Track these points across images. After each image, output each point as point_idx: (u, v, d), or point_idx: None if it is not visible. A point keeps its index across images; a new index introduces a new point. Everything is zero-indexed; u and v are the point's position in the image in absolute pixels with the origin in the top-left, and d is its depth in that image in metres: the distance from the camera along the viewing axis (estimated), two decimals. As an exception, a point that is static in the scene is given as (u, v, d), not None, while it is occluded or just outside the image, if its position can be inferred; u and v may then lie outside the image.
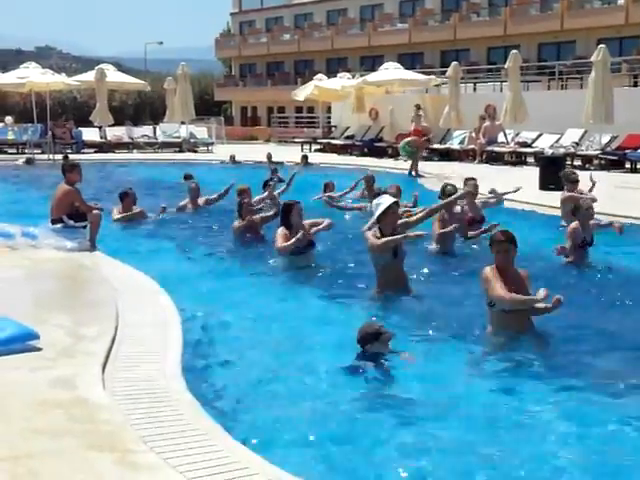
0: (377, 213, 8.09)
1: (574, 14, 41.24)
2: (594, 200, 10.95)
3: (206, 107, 57.35)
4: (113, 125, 32.26)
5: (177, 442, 4.35)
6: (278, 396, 5.56)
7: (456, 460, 4.64)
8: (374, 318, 6.99)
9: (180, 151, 31.43)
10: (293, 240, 9.47)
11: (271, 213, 11.51)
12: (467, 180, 12.17)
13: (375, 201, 8.46)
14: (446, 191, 10.78)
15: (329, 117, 37.14)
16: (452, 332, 7.00)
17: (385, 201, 8.13)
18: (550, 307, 6.41)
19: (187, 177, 17.46)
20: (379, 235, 7.99)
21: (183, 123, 33.19)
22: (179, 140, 32.38)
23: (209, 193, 14.64)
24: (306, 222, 9.83)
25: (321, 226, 9.77)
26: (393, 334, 6.14)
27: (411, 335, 6.87)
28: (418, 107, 27.09)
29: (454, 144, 26.86)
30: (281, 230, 9.73)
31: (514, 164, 24.25)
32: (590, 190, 12.05)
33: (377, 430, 5.04)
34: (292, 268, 9.52)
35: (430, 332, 7.04)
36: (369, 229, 8.30)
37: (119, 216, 13.06)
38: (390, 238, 7.89)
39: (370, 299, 8.09)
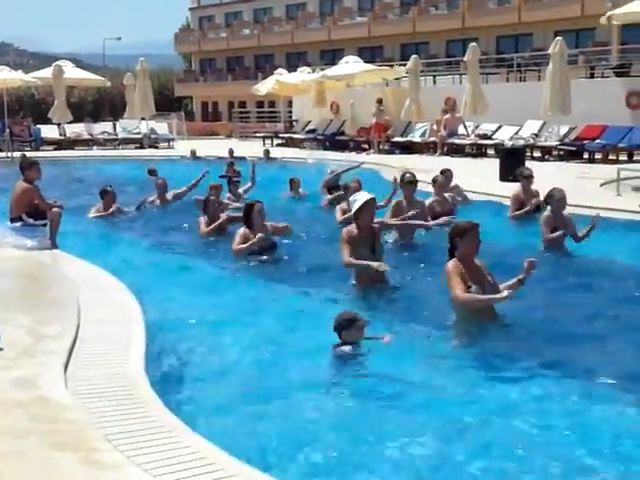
0: (354, 209, 8.08)
1: (531, 7, 41.62)
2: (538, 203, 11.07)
3: (167, 102, 57.03)
4: (72, 122, 31.87)
5: (142, 440, 4.30)
6: (246, 391, 5.53)
7: (433, 446, 4.67)
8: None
9: (141, 147, 31.15)
10: (248, 244, 9.46)
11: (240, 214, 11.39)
12: (443, 171, 12.23)
13: (352, 197, 8.46)
14: (404, 179, 10.82)
15: (290, 111, 37.07)
16: (425, 321, 7.05)
17: (362, 197, 8.10)
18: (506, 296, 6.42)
19: (151, 172, 17.34)
20: (356, 232, 7.98)
21: (143, 119, 32.92)
22: (139, 136, 32.09)
23: (173, 189, 14.56)
24: (269, 224, 9.80)
25: (278, 231, 9.70)
26: (368, 321, 6.24)
27: (388, 325, 6.89)
28: (380, 101, 27.22)
29: (415, 137, 26.93)
30: (242, 230, 9.70)
31: (475, 156, 24.40)
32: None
33: (355, 421, 5.05)
34: (261, 266, 9.44)
35: (405, 323, 7.08)
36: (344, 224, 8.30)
37: (95, 214, 12.96)
38: (354, 262, 7.86)
39: (346, 293, 8.03)
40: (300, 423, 5.01)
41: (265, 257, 9.56)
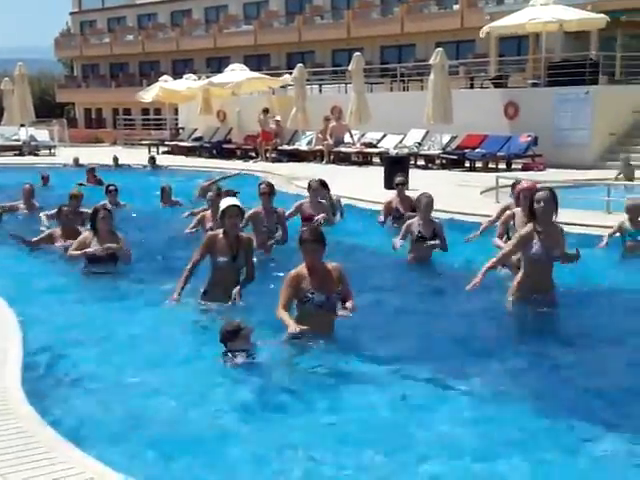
0: (219, 214, 8.08)
1: (413, 18, 42.50)
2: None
3: (48, 109, 55.49)
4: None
5: (18, 456, 4.15)
6: (128, 404, 5.42)
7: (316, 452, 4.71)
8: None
9: (20, 154, 30.19)
10: (80, 252, 9.29)
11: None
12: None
13: (220, 203, 8.45)
14: (259, 189, 10.88)
15: (176, 119, 36.69)
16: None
17: (224, 203, 8.09)
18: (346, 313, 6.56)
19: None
20: (220, 237, 7.92)
21: (23, 125, 31.94)
22: (19, 143, 31.13)
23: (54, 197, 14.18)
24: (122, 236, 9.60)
25: (114, 245, 9.39)
26: (253, 329, 6.19)
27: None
28: (265, 111, 27.24)
29: (302, 145, 27.09)
30: (84, 233, 9.53)
31: (360, 164, 24.69)
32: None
33: (244, 432, 5.04)
34: (130, 278, 9.26)
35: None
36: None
37: None
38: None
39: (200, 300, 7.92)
40: (185, 436, 4.94)
41: (104, 268, 9.30)
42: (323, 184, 12.58)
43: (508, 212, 9.42)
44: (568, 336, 7.16)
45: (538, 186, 8.47)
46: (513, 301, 7.54)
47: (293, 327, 6.29)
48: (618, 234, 10.09)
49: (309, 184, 12.43)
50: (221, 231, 8.00)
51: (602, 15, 24.72)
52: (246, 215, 10.06)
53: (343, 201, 13.33)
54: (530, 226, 7.44)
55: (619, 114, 22.79)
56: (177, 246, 10.77)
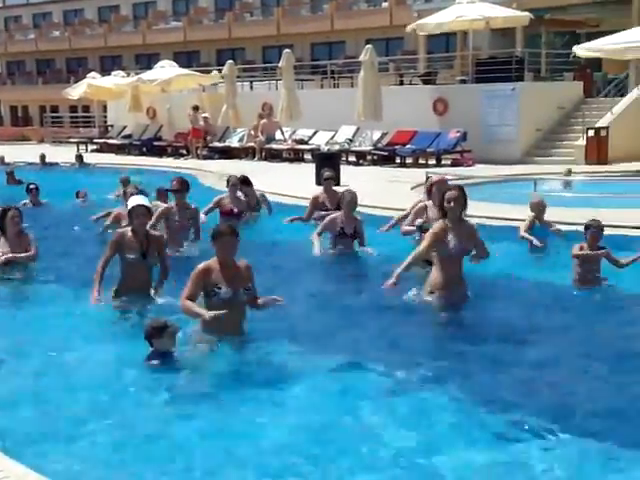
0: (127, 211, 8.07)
1: (343, 15, 42.64)
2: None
3: (-29, 107, 54.08)
4: None
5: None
6: (53, 411, 5.33)
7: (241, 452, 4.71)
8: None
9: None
10: None
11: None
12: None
13: (128, 201, 8.42)
14: (230, 180, 10.90)
15: (105, 116, 36.17)
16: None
17: (132, 202, 8.06)
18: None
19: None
20: (129, 235, 7.86)
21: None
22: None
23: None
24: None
25: (17, 255, 9.15)
26: (179, 328, 6.14)
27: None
28: (195, 108, 27.05)
29: (233, 142, 26.99)
30: None
31: (292, 161, 24.73)
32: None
33: (163, 431, 5.01)
34: (43, 279, 9.08)
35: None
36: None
37: None
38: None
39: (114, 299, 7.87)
40: (104, 437, 4.91)
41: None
42: (245, 181, 12.64)
43: (420, 204, 9.46)
44: (480, 328, 7.33)
45: (450, 182, 8.70)
46: (427, 296, 7.68)
47: (207, 315, 6.22)
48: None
49: (228, 179, 12.58)
50: (129, 229, 7.95)
51: (526, 13, 25.23)
52: (158, 212, 10.07)
53: (273, 197, 13.37)
54: (441, 223, 7.59)
55: (544, 110, 23.26)
56: (93, 244, 10.67)
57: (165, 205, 10.74)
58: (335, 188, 12.25)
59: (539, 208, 10.15)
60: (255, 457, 4.66)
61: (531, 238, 9.84)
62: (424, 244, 7.67)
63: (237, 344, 6.52)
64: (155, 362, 5.98)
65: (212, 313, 6.21)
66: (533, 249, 9.99)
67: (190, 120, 26.76)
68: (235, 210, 11.83)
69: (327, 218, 10.25)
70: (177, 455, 4.69)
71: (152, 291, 7.84)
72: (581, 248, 8.39)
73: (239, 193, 12.27)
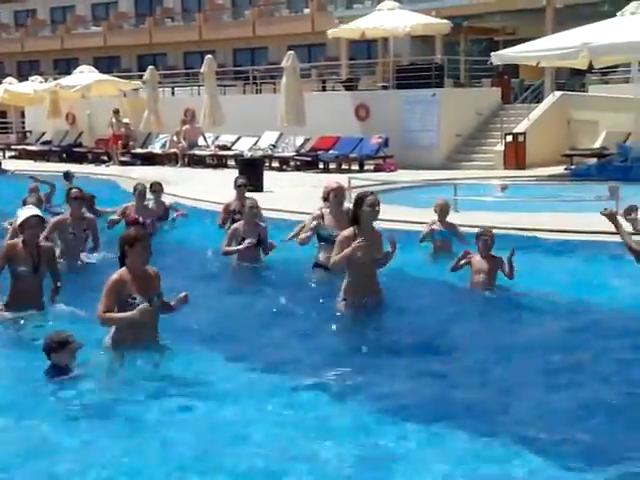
0: (17, 223, 7.87)
1: (265, 22, 42.62)
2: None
3: None
4: None
5: None
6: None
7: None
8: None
9: None
10: None
11: None
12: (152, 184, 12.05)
13: (19, 211, 8.26)
14: (137, 188, 10.71)
15: (23, 122, 35.38)
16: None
17: (24, 214, 7.88)
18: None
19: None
20: (19, 247, 7.69)
21: None
22: None
23: None
24: None
25: None
26: (81, 345, 5.97)
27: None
28: (116, 112, 26.71)
29: (156, 148, 26.73)
30: None
31: (215, 167, 24.58)
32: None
33: (66, 445, 4.96)
34: None
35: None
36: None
37: None
38: None
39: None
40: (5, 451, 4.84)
41: None
42: (153, 188, 12.54)
43: (317, 212, 9.34)
44: (397, 334, 7.43)
45: (370, 188, 8.78)
46: (343, 304, 7.67)
47: (134, 314, 6.15)
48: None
49: (135, 187, 12.32)
50: (20, 240, 7.75)
51: (445, 21, 25.64)
52: (51, 223, 9.79)
53: (194, 204, 13.30)
54: (351, 230, 7.53)
55: (464, 116, 23.65)
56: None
57: (60, 216, 10.41)
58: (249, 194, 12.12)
59: (442, 211, 10.26)
60: (159, 466, 4.64)
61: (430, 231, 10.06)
62: (335, 253, 7.56)
63: (153, 352, 6.45)
64: (55, 377, 5.86)
65: (136, 311, 6.14)
66: (437, 252, 10.15)
67: (111, 126, 26.40)
68: (141, 219, 11.51)
69: (231, 228, 10.16)
70: (76, 467, 4.63)
71: (48, 302, 7.71)
72: (466, 253, 8.57)
73: (150, 202, 12.17)
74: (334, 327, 7.56)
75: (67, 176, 16.27)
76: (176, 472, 4.58)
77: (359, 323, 7.68)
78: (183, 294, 6.44)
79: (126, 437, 5.04)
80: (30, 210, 8.07)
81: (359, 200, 7.60)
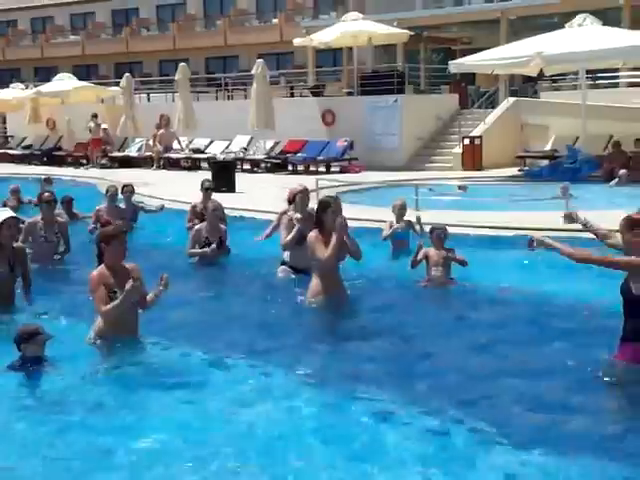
0: None
1: (235, 31, 42.41)
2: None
3: None
4: None
5: None
6: None
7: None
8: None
9: None
10: None
11: None
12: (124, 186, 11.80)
13: None
14: (109, 190, 10.52)
15: (5, 127, 34.87)
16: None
17: (1, 215, 7.66)
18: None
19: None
20: None
21: None
22: None
23: None
24: None
25: None
26: (50, 336, 5.85)
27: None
28: (94, 116, 26.46)
29: (132, 152, 26.50)
30: None
31: (190, 169, 24.42)
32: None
33: (42, 436, 4.84)
34: None
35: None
36: None
37: None
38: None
39: None
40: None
41: None
42: (125, 190, 12.41)
43: (288, 214, 9.16)
44: (363, 327, 7.37)
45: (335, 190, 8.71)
46: (310, 301, 7.62)
47: (125, 295, 6.01)
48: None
49: (107, 189, 12.17)
50: None
51: (406, 31, 25.66)
52: (25, 226, 9.56)
53: (168, 204, 13.17)
54: (316, 232, 7.49)
55: (424, 121, 23.70)
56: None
57: (31, 218, 10.13)
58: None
59: (400, 211, 10.20)
60: (130, 459, 4.53)
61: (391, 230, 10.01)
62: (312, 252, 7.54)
63: (133, 344, 6.37)
64: (25, 366, 5.76)
65: (127, 288, 5.99)
66: (396, 250, 10.09)
67: (90, 130, 26.15)
68: (112, 220, 11.29)
69: (193, 230, 9.99)
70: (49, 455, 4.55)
71: (23, 297, 7.61)
72: (419, 247, 8.55)
73: (120, 203, 12.02)
74: (303, 319, 7.56)
75: (47, 180, 16.05)
76: (157, 460, 4.49)
77: (326, 315, 7.64)
78: (159, 286, 6.25)
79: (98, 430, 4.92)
80: (6, 212, 7.88)
81: (323, 205, 7.59)
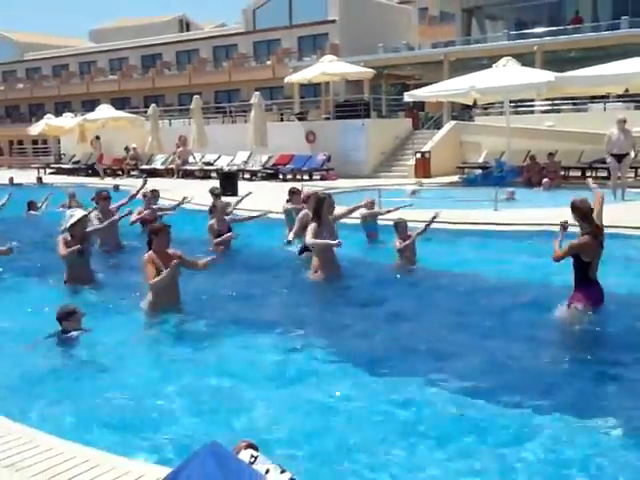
0: (69, 223, 7.29)
1: (238, 70, 41.97)
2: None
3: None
4: None
5: None
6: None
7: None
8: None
9: None
10: None
11: None
12: (152, 190, 11.44)
13: (69, 212, 7.68)
14: (101, 195, 9.77)
15: (59, 147, 34.33)
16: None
17: (77, 214, 7.37)
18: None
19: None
20: (69, 240, 7.22)
21: None
22: None
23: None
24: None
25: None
26: (84, 313, 5.71)
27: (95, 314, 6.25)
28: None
29: (157, 165, 26.16)
30: None
31: (202, 178, 24.03)
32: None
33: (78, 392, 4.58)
34: None
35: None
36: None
37: None
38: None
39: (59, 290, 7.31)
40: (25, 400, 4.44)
41: None
42: (153, 194, 11.94)
43: (303, 212, 8.96)
44: (355, 302, 7.06)
45: (320, 191, 8.56)
46: (315, 278, 7.42)
47: (169, 271, 6.00)
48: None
49: (144, 194, 11.57)
50: (69, 233, 7.30)
51: (371, 69, 25.30)
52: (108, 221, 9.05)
53: (184, 205, 12.71)
54: (316, 224, 7.31)
55: (386, 139, 23.45)
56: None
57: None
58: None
59: (369, 207, 9.87)
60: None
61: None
62: (310, 236, 7.32)
63: (177, 310, 6.27)
64: (69, 337, 5.54)
65: (170, 266, 6.00)
66: (368, 239, 9.89)
67: (125, 151, 25.76)
68: (150, 218, 10.84)
69: (208, 225, 9.59)
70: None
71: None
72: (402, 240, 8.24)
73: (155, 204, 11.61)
74: (308, 293, 7.34)
75: (116, 188, 15.77)
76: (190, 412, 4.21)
77: (327, 291, 7.43)
78: (210, 258, 6.37)
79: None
80: (80, 212, 7.60)
81: (321, 200, 7.43)
